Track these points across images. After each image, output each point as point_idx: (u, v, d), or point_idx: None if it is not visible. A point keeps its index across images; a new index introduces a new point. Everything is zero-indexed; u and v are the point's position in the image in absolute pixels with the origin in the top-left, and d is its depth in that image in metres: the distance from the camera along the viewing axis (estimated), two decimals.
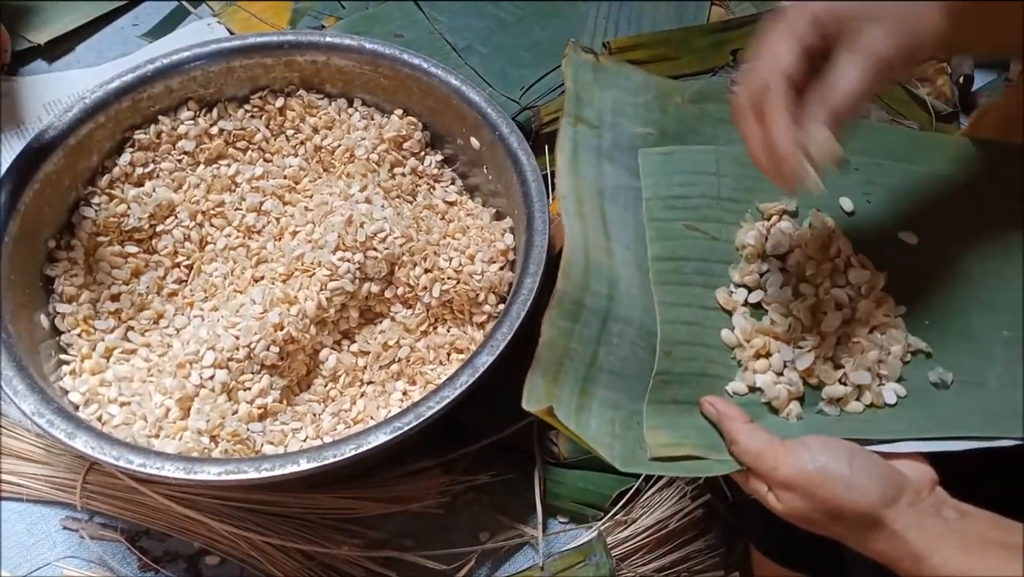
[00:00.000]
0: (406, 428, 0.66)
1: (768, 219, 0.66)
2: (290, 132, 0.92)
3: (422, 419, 0.66)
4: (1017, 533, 0.47)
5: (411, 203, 0.89)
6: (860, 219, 0.66)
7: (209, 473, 0.63)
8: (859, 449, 0.50)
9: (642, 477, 0.79)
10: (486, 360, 0.69)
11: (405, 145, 0.91)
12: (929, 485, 0.50)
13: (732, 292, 0.63)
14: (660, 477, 0.79)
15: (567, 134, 0.66)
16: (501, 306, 0.83)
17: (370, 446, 0.65)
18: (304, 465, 0.64)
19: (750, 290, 0.63)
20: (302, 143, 0.92)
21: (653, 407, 0.56)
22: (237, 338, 0.75)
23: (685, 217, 0.65)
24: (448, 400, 0.67)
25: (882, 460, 0.50)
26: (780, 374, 0.58)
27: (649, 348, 0.59)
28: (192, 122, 0.88)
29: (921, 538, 0.47)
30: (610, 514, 0.78)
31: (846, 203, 0.66)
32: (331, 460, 0.64)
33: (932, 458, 0.52)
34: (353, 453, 0.64)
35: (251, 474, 0.63)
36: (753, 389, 0.58)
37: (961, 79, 1.13)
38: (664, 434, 0.55)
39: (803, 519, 0.50)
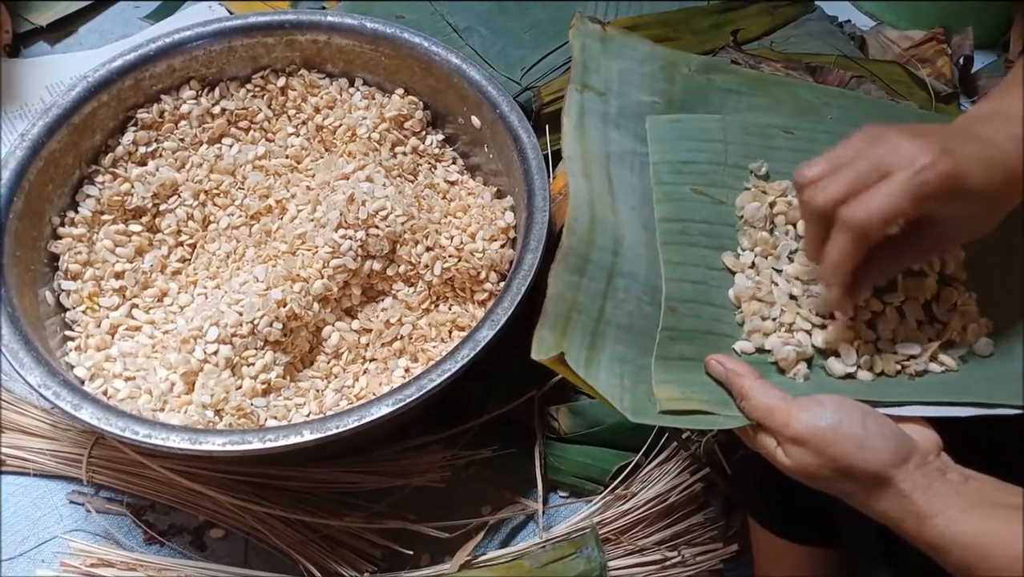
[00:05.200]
0: (408, 400, 0.66)
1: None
2: (292, 112, 0.92)
3: (424, 391, 0.67)
4: (1019, 495, 0.47)
5: (412, 182, 0.90)
6: None
7: (214, 444, 0.64)
8: (871, 410, 0.51)
9: (641, 452, 0.79)
10: (487, 334, 0.70)
11: (406, 124, 0.91)
12: (935, 449, 0.51)
13: (739, 255, 0.63)
14: (659, 452, 0.80)
15: (573, 100, 0.66)
16: (502, 284, 0.83)
17: (373, 418, 0.65)
18: (308, 436, 0.64)
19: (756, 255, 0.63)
20: (304, 123, 0.92)
21: (661, 362, 0.57)
22: (240, 314, 0.76)
23: (692, 182, 0.66)
24: (449, 373, 0.68)
25: (892, 422, 0.51)
26: (789, 334, 0.59)
27: (655, 304, 0.59)
28: (194, 101, 0.89)
29: (926, 499, 0.47)
30: (610, 488, 0.78)
31: None
32: (334, 431, 0.65)
33: (936, 425, 0.53)
34: (356, 424, 0.65)
35: (255, 445, 0.64)
36: (761, 350, 0.59)
37: (961, 60, 1.13)
38: (673, 389, 0.55)
39: (810, 476, 0.50)
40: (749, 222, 0.64)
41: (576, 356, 0.54)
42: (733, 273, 0.62)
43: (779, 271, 0.62)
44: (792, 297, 0.61)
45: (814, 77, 1.04)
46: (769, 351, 0.58)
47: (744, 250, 0.63)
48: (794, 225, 0.65)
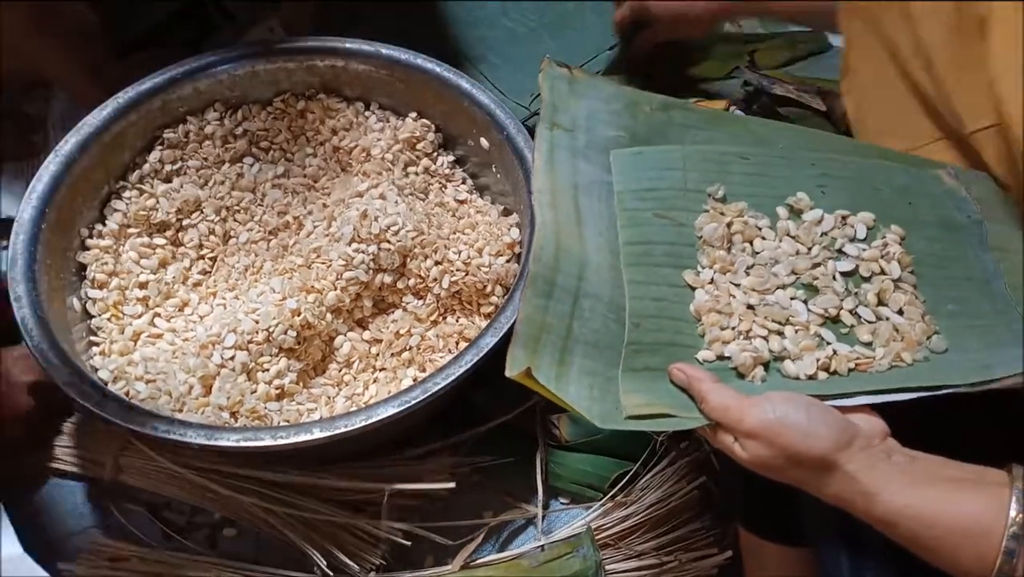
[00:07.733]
0: (413, 402, 0.70)
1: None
2: (310, 133, 0.97)
3: (428, 394, 0.70)
4: (965, 470, 0.51)
5: (423, 200, 0.93)
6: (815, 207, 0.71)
7: (228, 440, 0.67)
8: (816, 401, 0.54)
9: (640, 461, 0.82)
10: (490, 341, 0.73)
11: (419, 146, 0.95)
12: (881, 435, 0.54)
13: (699, 272, 0.67)
14: (658, 461, 0.82)
15: (544, 137, 0.71)
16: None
17: (379, 418, 0.69)
18: (317, 434, 0.68)
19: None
20: (321, 144, 0.96)
21: (628, 374, 0.60)
22: (257, 322, 0.79)
23: (654, 207, 0.70)
24: (453, 377, 0.71)
25: (837, 412, 0.54)
26: (747, 341, 0.62)
27: (620, 321, 0.63)
28: (218, 123, 0.93)
29: (871, 478, 0.51)
30: (609, 495, 0.81)
31: (801, 196, 0.71)
32: (342, 430, 0.68)
33: (887, 415, 0.56)
34: (363, 424, 0.68)
35: (267, 441, 0.67)
36: (721, 357, 0.62)
37: None
38: (639, 397, 0.59)
39: (765, 466, 0.53)
40: (708, 241, 0.68)
41: (546, 372, 0.58)
42: (693, 289, 0.66)
43: (737, 284, 0.66)
44: (749, 307, 0.64)
45: (824, 100, 1.07)
46: (729, 358, 0.62)
47: (703, 267, 0.67)
48: (750, 243, 0.69)
